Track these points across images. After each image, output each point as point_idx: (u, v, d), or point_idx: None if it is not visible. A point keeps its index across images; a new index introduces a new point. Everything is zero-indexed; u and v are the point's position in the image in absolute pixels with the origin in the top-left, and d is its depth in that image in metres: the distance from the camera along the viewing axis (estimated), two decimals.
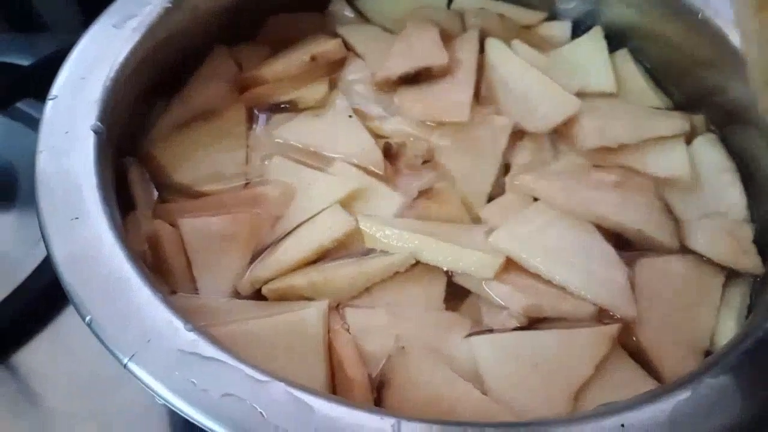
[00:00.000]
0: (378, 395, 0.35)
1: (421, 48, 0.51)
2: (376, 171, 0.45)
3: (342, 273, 0.39)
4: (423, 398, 0.34)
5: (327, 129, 0.48)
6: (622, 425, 0.28)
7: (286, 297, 0.39)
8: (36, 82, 0.42)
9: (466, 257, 0.40)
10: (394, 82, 0.50)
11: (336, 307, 0.39)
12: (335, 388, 0.36)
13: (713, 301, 0.40)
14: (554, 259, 0.40)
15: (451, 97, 0.49)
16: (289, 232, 0.41)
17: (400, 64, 0.50)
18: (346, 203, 0.43)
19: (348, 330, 0.38)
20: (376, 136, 0.47)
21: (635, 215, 0.43)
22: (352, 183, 0.43)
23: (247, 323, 0.36)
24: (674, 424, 0.28)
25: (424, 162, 0.47)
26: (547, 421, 0.29)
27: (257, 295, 0.40)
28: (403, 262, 0.40)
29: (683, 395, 0.29)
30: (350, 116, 0.48)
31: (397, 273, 0.40)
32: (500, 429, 0.28)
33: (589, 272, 0.40)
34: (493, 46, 0.53)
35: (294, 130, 0.48)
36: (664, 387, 0.33)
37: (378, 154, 0.46)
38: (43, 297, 0.47)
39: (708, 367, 0.31)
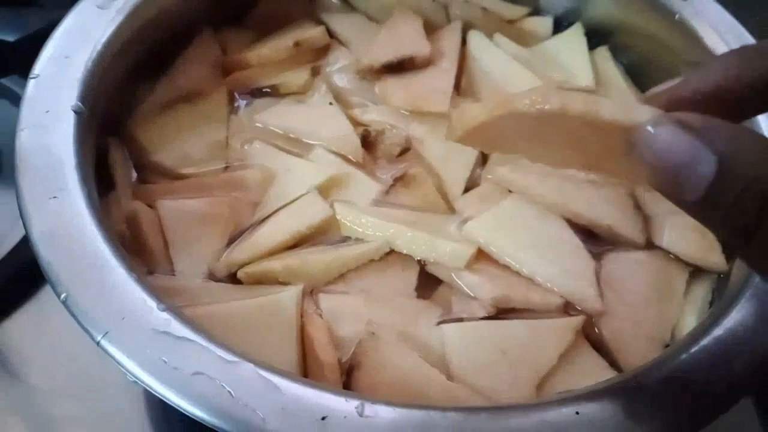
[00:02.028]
0: (348, 378, 0.36)
1: (404, 38, 0.52)
2: (354, 159, 0.46)
3: (317, 259, 0.40)
4: (391, 382, 0.35)
5: (307, 115, 0.48)
6: (577, 412, 0.29)
7: (261, 281, 0.40)
8: (22, 59, 0.42)
9: (439, 247, 0.40)
10: (377, 70, 0.50)
11: (310, 293, 0.40)
12: (307, 370, 0.36)
13: (677, 297, 0.41)
14: (524, 251, 0.41)
15: (432, 87, 0.50)
16: (267, 217, 0.42)
17: (383, 53, 0.50)
18: (324, 190, 0.43)
19: (321, 315, 0.38)
20: (356, 123, 0.48)
21: (606, 212, 0.43)
22: (331, 170, 0.44)
23: (223, 305, 0.37)
24: (627, 412, 0.29)
25: (403, 151, 0.47)
26: (507, 406, 0.30)
27: (232, 279, 0.40)
28: (378, 251, 0.41)
29: (637, 385, 0.30)
30: (330, 103, 0.48)
31: (371, 260, 0.41)
32: (461, 413, 0.29)
33: (557, 265, 0.41)
34: (476, 38, 0.53)
35: (275, 116, 0.48)
36: (619, 377, 0.34)
37: (356, 142, 0.46)
38: (24, 273, 0.47)
39: (663, 359, 0.32)
